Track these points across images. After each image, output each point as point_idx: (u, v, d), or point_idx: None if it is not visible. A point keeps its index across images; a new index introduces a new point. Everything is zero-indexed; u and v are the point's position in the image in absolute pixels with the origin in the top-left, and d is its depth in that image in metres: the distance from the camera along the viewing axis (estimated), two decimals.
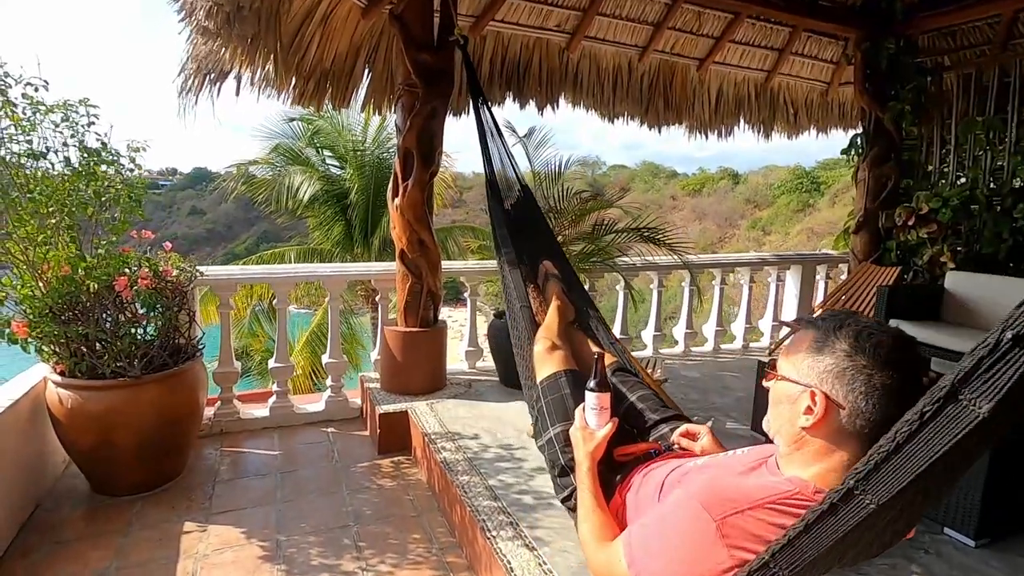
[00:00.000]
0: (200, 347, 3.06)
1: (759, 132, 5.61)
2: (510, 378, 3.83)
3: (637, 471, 1.40)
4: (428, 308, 3.62)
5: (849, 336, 0.95)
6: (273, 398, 3.69)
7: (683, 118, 5.23)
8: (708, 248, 27.93)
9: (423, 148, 3.40)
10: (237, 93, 3.27)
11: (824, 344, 0.97)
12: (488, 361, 4.21)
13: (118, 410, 2.65)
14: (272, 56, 3.25)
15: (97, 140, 2.66)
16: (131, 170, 2.80)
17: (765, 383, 1.09)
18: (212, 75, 3.17)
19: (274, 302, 3.66)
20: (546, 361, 1.79)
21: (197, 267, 3.14)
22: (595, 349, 1.93)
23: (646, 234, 3.54)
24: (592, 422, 1.43)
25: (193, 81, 3.18)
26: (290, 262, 10.78)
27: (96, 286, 2.52)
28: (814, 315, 1.18)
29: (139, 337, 2.72)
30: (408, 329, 3.57)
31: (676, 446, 1.46)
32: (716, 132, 5.46)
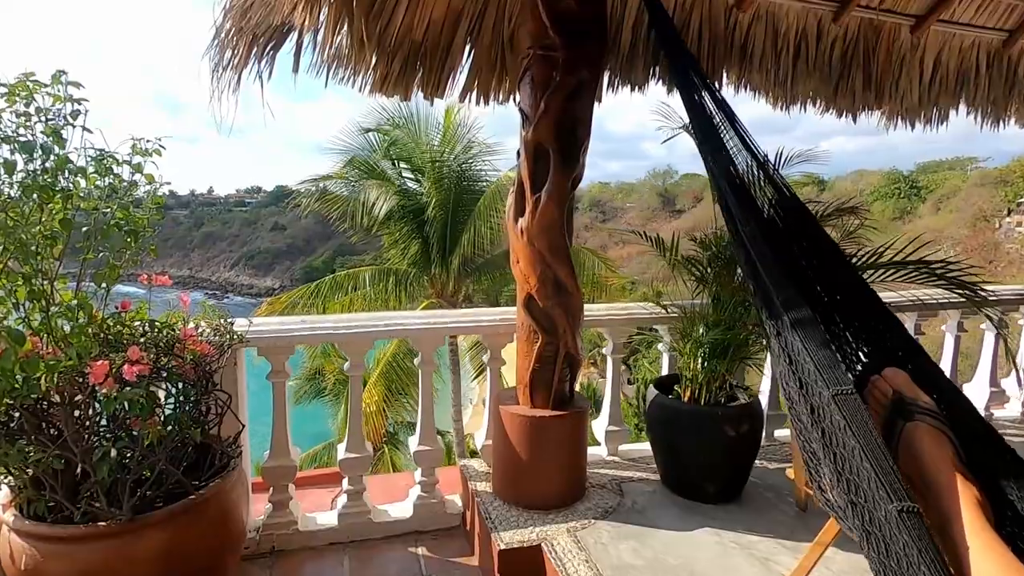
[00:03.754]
0: (237, 450, 2.02)
1: (984, 117, 4.12)
2: (677, 479, 2.60)
3: None
4: (564, 379, 2.46)
5: None
6: (343, 499, 2.63)
7: (883, 101, 3.83)
8: None
9: (563, 142, 2.26)
10: (295, 68, 2.23)
11: None
12: (635, 443, 3.01)
13: (98, 572, 1.64)
14: (344, 15, 2.21)
15: (50, 136, 1.65)
16: (132, 183, 1.80)
17: None
18: (262, 39, 2.15)
19: (344, 367, 2.58)
20: None
21: (234, 327, 2.11)
22: None
23: (939, 270, 2.14)
24: None
25: (237, 49, 2.16)
26: (364, 284, 10.00)
27: (55, 379, 1.51)
28: None
29: (133, 453, 1.68)
30: (536, 412, 2.41)
31: None
32: (923, 119, 4.03)
